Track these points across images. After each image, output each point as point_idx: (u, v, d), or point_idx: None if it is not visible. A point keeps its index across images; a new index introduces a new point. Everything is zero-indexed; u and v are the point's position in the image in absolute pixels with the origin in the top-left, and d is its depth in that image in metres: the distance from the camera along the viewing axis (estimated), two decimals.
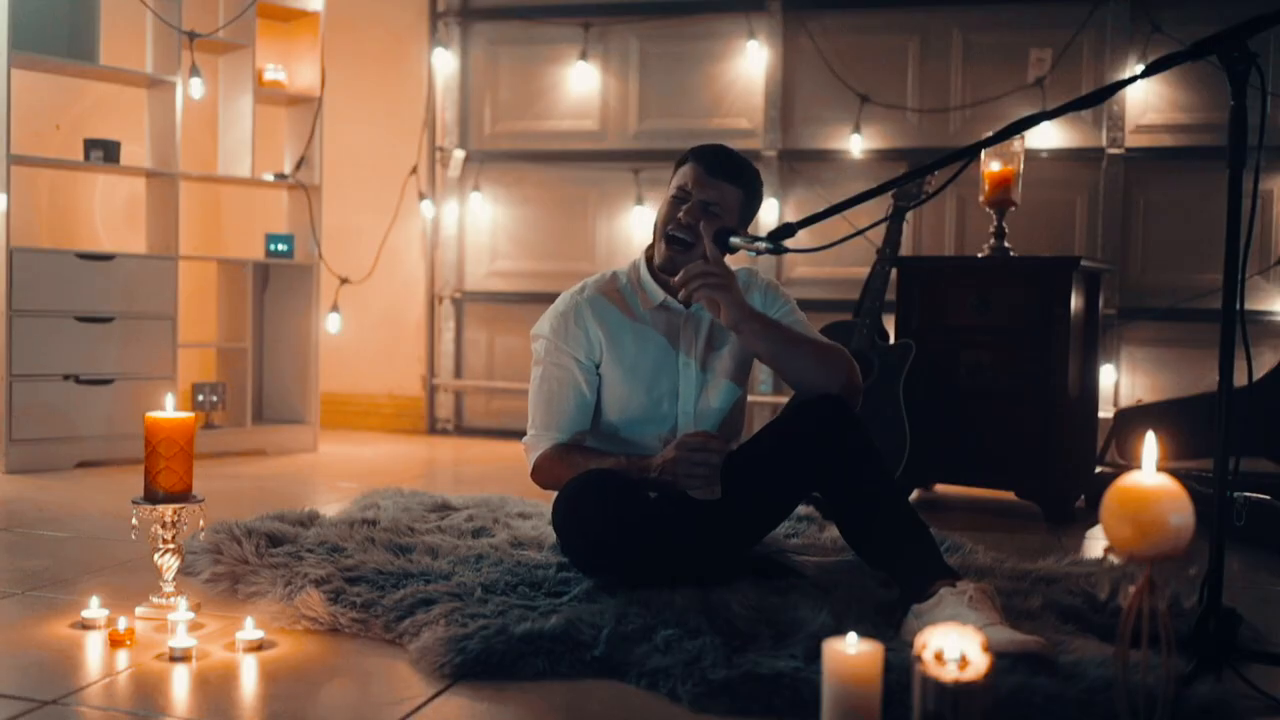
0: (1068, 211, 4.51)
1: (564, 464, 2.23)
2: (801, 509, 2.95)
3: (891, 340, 3.50)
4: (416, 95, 5.17)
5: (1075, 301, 3.35)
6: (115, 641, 1.86)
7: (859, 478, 2.09)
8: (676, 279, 2.13)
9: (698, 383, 2.30)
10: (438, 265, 5.21)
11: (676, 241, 2.21)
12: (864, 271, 3.58)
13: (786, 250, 2.11)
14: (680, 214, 2.20)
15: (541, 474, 2.29)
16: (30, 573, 2.36)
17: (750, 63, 4.81)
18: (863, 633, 1.24)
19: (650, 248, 2.33)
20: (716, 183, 2.21)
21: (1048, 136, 4.48)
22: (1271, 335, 4.23)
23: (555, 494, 2.25)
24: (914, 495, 3.59)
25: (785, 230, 2.10)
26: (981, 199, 3.53)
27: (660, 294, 2.29)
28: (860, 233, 2.35)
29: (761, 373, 4.76)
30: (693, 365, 2.29)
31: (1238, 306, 1.69)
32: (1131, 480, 1.13)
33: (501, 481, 3.63)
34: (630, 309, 2.30)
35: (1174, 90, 4.39)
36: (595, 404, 2.30)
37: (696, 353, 2.29)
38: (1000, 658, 1.63)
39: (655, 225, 2.27)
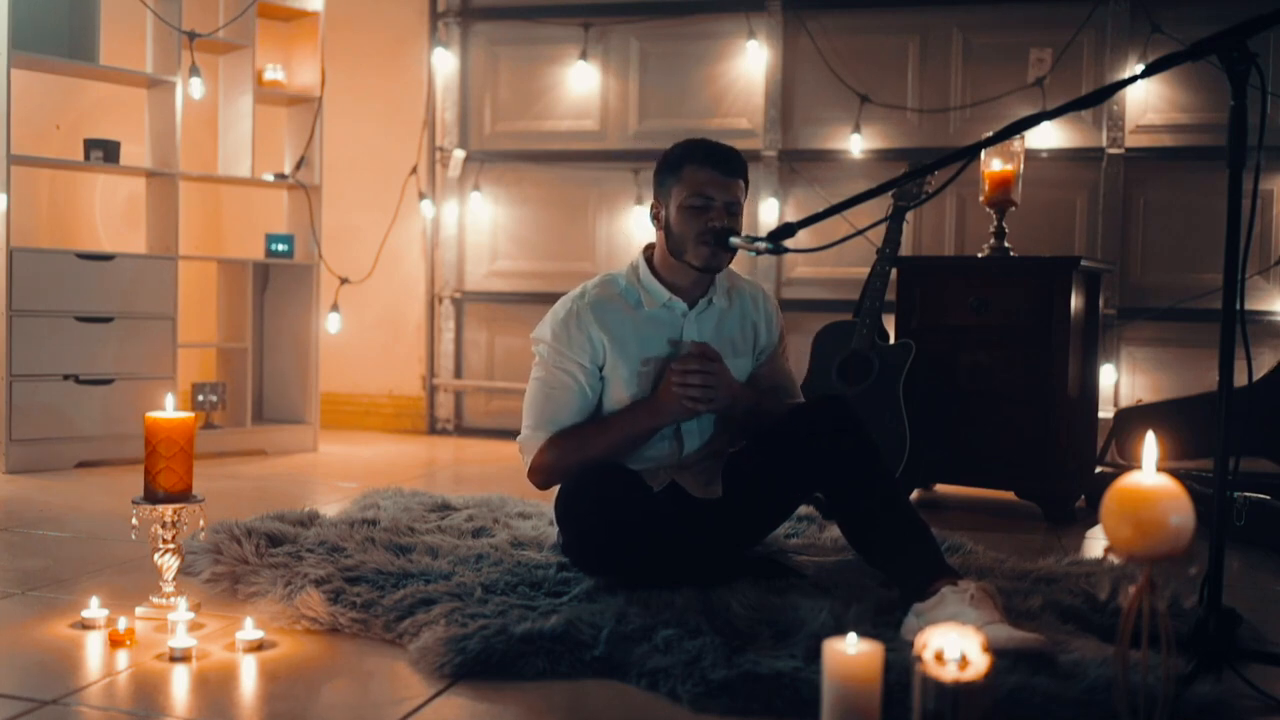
0: (1068, 211, 4.51)
1: (564, 448, 2.20)
2: (801, 509, 2.95)
3: (891, 340, 3.50)
4: (416, 95, 5.17)
5: (1075, 301, 3.35)
6: (115, 641, 1.86)
7: (862, 477, 2.09)
8: (674, 382, 2.17)
9: None
10: (438, 265, 5.21)
11: (713, 246, 2.19)
12: (864, 271, 3.58)
13: (786, 250, 2.11)
14: (710, 221, 2.18)
15: (541, 471, 2.25)
16: (30, 573, 2.36)
17: (750, 63, 4.81)
18: (863, 633, 1.24)
19: (649, 247, 2.32)
20: (733, 182, 2.22)
21: (1048, 136, 4.48)
22: (1271, 335, 4.23)
23: (555, 493, 2.25)
24: (914, 495, 3.59)
25: (785, 230, 2.10)
26: (981, 199, 3.53)
27: (664, 294, 2.28)
28: (860, 233, 2.35)
29: None
30: None
31: (1238, 306, 1.69)
32: (1131, 480, 1.13)
33: (501, 481, 3.63)
34: (632, 310, 2.28)
35: (1174, 90, 4.39)
36: (596, 405, 2.29)
37: None
38: (1002, 656, 1.64)
39: (674, 235, 2.23)
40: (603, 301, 2.27)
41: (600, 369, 2.26)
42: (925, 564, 1.96)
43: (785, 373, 2.44)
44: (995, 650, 1.67)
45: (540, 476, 2.27)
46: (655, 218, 2.29)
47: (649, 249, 2.33)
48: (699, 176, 2.20)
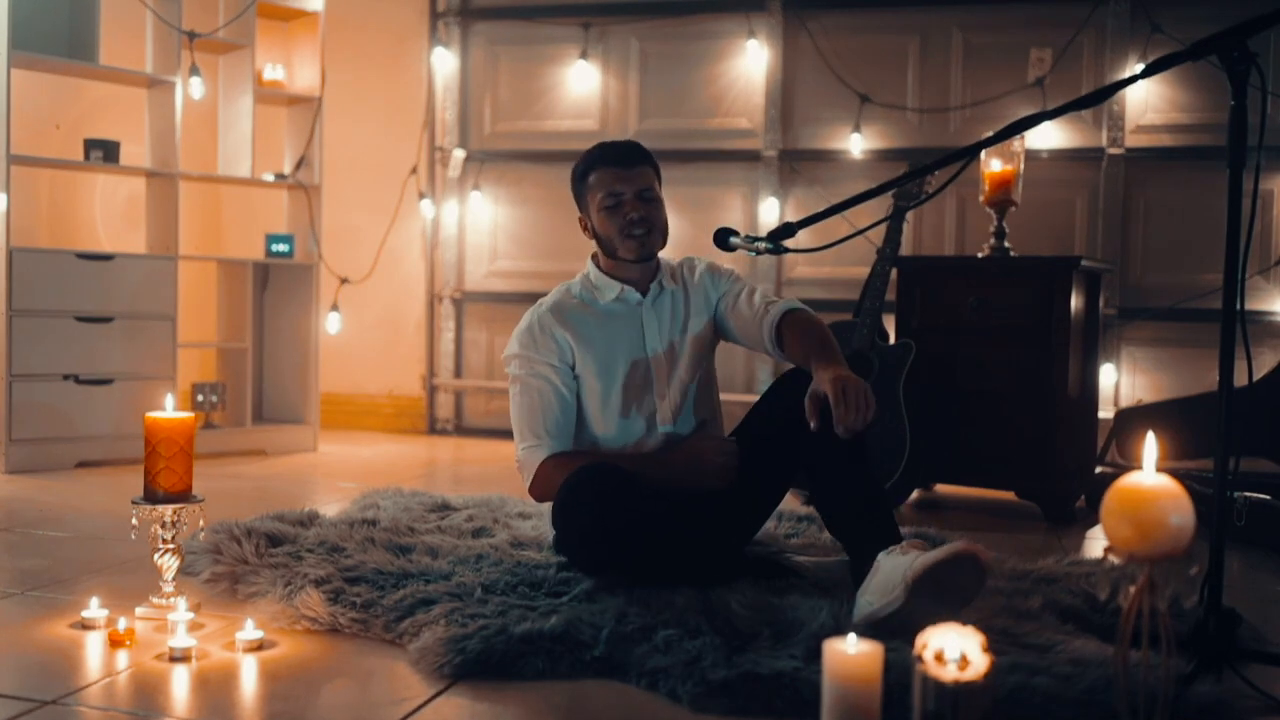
0: (1068, 211, 4.51)
1: (570, 469, 2.18)
2: (801, 509, 2.96)
3: (891, 340, 3.50)
4: (416, 95, 5.17)
5: (1075, 301, 3.35)
6: (115, 641, 1.86)
7: (827, 447, 2.06)
8: (841, 424, 1.98)
9: (669, 363, 2.34)
10: (437, 265, 5.21)
11: (637, 236, 2.28)
12: (864, 271, 3.58)
13: (786, 250, 2.12)
14: (627, 214, 2.28)
15: (545, 485, 2.25)
16: (30, 573, 2.36)
17: (750, 62, 4.80)
18: (862, 633, 1.24)
19: (595, 256, 2.41)
20: (636, 170, 2.29)
21: (1048, 136, 4.48)
22: (1271, 335, 4.23)
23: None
24: (914, 495, 3.59)
25: (785, 230, 2.10)
26: (981, 199, 3.53)
27: (616, 287, 2.35)
28: (860, 233, 2.35)
29: (761, 372, 4.76)
30: (660, 348, 2.34)
31: (1238, 306, 1.69)
32: (1131, 480, 1.13)
33: (501, 481, 3.63)
34: (589, 308, 2.36)
35: (1174, 90, 4.39)
36: (577, 407, 2.33)
37: (663, 335, 2.35)
38: (934, 568, 1.75)
39: (601, 238, 2.34)
40: (560, 305, 2.37)
41: (572, 368, 2.32)
42: (872, 538, 1.98)
43: (753, 298, 2.34)
44: (925, 568, 1.76)
45: (543, 492, 2.28)
46: (585, 229, 2.40)
47: (594, 255, 2.42)
48: (604, 178, 2.30)
